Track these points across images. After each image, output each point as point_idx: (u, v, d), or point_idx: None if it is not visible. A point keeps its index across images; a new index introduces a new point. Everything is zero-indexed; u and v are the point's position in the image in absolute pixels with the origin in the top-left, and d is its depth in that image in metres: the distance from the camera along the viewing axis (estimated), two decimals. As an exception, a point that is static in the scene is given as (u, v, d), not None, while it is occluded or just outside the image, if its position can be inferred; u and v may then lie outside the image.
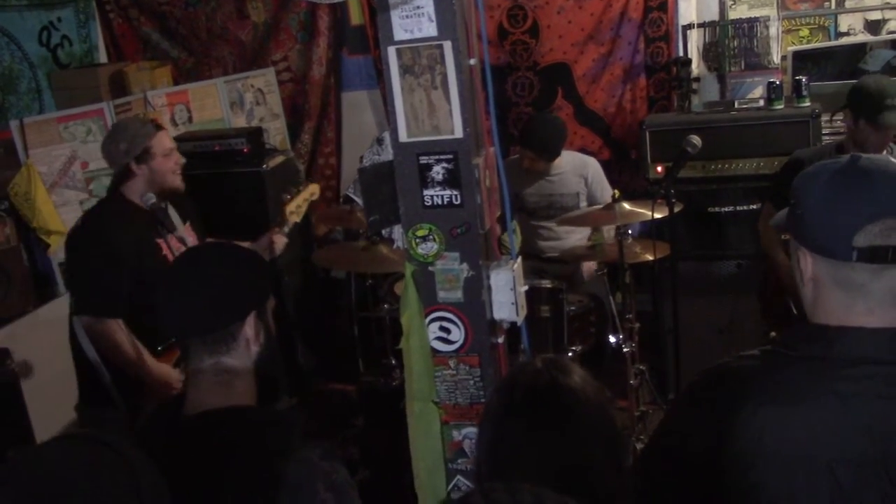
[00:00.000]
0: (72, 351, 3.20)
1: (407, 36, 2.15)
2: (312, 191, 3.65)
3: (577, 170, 4.34)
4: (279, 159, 4.58)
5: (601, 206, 3.72)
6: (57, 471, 1.13)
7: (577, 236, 4.35)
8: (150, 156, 3.14)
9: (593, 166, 4.39)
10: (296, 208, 3.53)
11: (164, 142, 3.21)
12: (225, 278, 1.62)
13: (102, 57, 5.57)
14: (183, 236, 3.29)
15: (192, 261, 1.72)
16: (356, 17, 5.35)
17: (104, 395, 3.10)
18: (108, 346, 3.03)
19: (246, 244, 3.41)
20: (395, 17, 2.14)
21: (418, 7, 2.12)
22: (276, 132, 5.42)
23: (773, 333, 3.57)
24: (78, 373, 3.22)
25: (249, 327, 1.62)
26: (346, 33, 5.43)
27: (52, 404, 3.83)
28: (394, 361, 3.98)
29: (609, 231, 4.18)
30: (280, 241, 3.46)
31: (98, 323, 3.03)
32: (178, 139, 4.52)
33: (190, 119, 5.02)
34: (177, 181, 3.25)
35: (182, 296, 1.61)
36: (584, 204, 4.30)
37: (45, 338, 4.10)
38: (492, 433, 1.51)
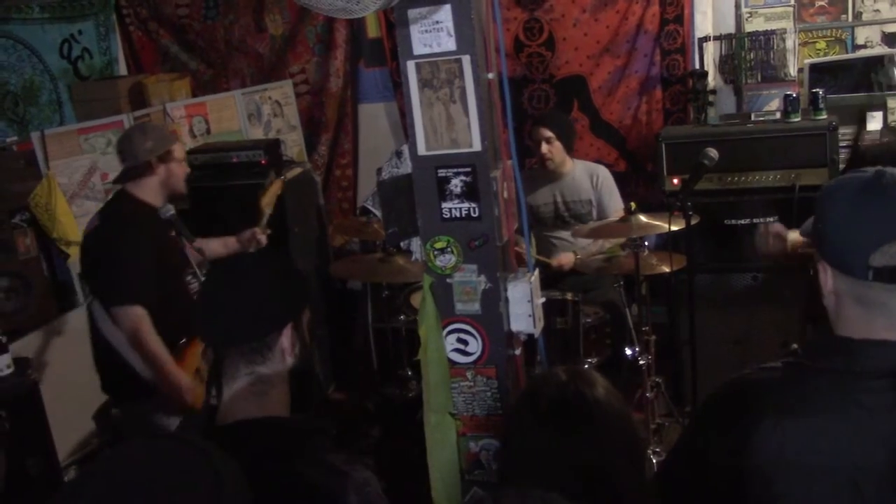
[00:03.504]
0: (94, 350, 3.20)
1: (426, 50, 2.17)
2: (279, 185, 3.86)
3: (588, 174, 4.39)
4: (296, 171, 4.62)
5: (618, 219, 3.72)
6: (144, 468, 1.13)
7: (592, 248, 4.35)
8: (171, 158, 3.28)
9: (603, 172, 4.43)
10: (269, 201, 3.70)
11: (181, 150, 3.41)
12: (264, 289, 1.63)
13: (122, 69, 5.63)
14: (201, 247, 3.37)
15: (232, 271, 1.71)
16: (373, 29, 5.38)
17: (130, 387, 3.09)
18: (135, 337, 3.01)
19: (231, 239, 3.61)
20: (415, 31, 2.16)
21: (437, 22, 2.14)
22: (294, 144, 5.45)
23: (794, 345, 3.54)
24: (103, 369, 3.22)
25: (286, 338, 1.63)
26: (362, 46, 5.46)
27: (71, 413, 3.87)
28: (409, 373, 3.98)
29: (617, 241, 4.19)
30: (262, 235, 3.59)
31: (128, 309, 3.02)
32: (196, 151, 4.60)
33: (208, 130, 5.06)
34: (184, 188, 3.40)
35: (220, 305, 1.62)
36: (595, 212, 4.32)
37: (64, 347, 4.15)
38: (517, 441, 1.52)
